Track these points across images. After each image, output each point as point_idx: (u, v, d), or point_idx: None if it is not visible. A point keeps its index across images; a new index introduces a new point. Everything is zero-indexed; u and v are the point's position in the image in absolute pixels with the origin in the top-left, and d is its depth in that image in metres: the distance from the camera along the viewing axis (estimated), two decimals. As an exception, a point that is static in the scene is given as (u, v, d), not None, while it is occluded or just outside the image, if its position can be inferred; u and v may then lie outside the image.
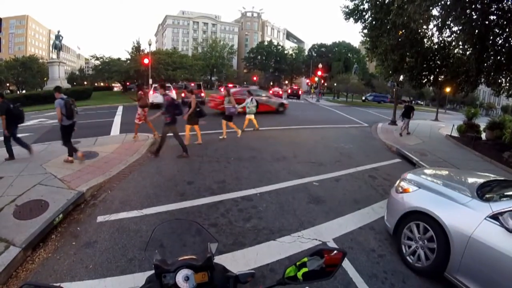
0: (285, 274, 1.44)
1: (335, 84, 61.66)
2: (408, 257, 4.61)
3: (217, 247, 1.48)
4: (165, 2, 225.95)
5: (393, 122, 21.47)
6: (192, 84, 29.19)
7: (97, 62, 51.57)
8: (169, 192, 6.70)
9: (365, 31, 17.81)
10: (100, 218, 5.52)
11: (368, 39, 18.25)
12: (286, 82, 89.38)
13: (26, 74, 65.90)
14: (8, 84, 66.01)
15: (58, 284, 1.28)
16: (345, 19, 18.12)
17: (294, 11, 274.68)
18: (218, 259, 2.47)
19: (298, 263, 1.45)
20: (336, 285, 3.92)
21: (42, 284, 1.31)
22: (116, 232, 5.07)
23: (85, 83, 69.79)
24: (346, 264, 4.39)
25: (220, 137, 12.21)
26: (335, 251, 1.51)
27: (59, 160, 8.72)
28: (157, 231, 1.62)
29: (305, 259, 1.45)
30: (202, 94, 27.39)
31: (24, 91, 56.50)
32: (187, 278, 1.27)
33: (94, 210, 5.92)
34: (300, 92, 54.12)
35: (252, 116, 14.10)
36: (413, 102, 38.52)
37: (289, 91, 54.97)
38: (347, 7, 18.03)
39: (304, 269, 1.44)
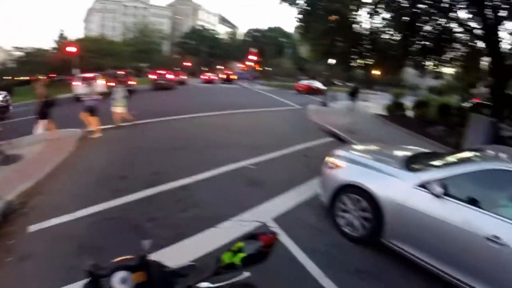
0: (222, 261, 1.45)
1: (268, 69, 62.39)
2: (345, 228, 4.97)
3: (151, 243, 1.39)
4: None
5: (324, 104, 22.39)
6: (122, 72, 27.67)
7: (20, 54, 47.64)
8: (102, 190, 6.30)
9: (300, 16, 18.14)
10: (32, 227, 5.02)
11: (301, 24, 18.65)
12: (220, 67, 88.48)
13: None
14: None
15: None
16: (280, 3, 18.34)
17: None
18: (160, 254, 2.46)
19: (233, 249, 1.45)
20: (279, 263, 4.05)
21: None
22: (51, 240, 4.69)
23: (7, 78, 64.26)
24: (288, 241, 4.60)
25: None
26: (267, 233, 1.52)
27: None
28: (88, 235, 1.55)
29: (241, 244, 1.46)
30: (131, 82, 25.94)
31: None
32: (124, 280, 1.22)
33: (25, 219, 5.34)
34: (232, 77, 54.00)
35: (120, 110, 11.84)
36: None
37: (223, 76, 54.57)
38: None
39: (242, 254, 1.45)
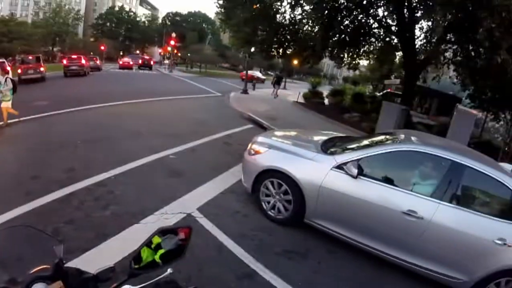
0: (140, 260, 1.36)
1: (188, 55, 61.25)
2: (269, 212, 5.12)
3: (63, 248, 1.26)
4: None
5: (245, 91, 22.80)
6: (30, 57, 24.96)
7: None
8: (11, 193, 5.38)
9: (220, 1, 17.86)
10: None
11: (222, 10, 18.45)
12: (138, 51, 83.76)
13: None
14: None
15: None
16: None
17: None
18: (83, 258, 2.29)
19: (153, 246, 1.37)
20: (208, 252, 4.05)
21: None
22: None
23: None
24: (214, 229, 4.60)
25: None
26: (182, 227, 1.47)
27: None
28: (28, 239, 1.39)
29: (158, 240, 1.39)
30: (42, 69, 23.15)
31: None
32: None
33: None
34: (152, 63, 51.57)
35: (8, 105, 9.99)
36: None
37: (140, 61, 50.81)
38: None
39: (161, 251, 1.38)
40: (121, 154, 7.34)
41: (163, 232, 1.41)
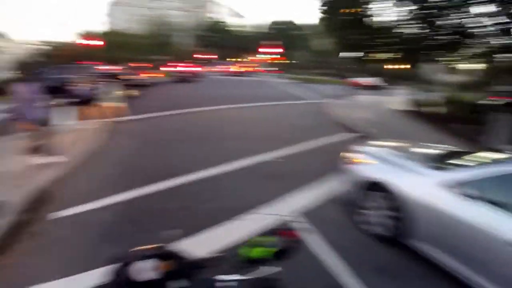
0: (253, 255, 1.43)
1: (287, 61, 61.60)
2: (366, 226, 4.85)
3: (180, 233, 1.49)
4: None
5: (346, 98, 22.19)
6: (143, 65, 27.98)
7: (48, 47, 49.15)
8: (118, 182, 6.42)
9: (324, 8, 17.94)
10: (54, 215, 5.16)
11: (324, 15, 18.45)
12: (235, 59, 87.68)
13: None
14: None
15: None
16: None
17: None
18: (180, 245, 2.44)
19: (264, 243, 1.45)
20: (300, 258, 4.05)
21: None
22: (78, 227, 4.88)
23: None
24: (308, 236, 4.58)
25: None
26: (289, 229, 1.52)
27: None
28: (111, 223, 1.57)
29: (267, 238, 1.46)
30: (152, 75, 27.10)
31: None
32: (153, 268, 1.24)
33: (47, 207, 5.48)
34: (249, 70, 53.10)
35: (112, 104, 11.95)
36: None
37: (237, 68, 53.14)
38: None
39: (273, 249, 1.45)
40: (223, 154, 7.83)
41: (271, 232, 1.48)
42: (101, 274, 1.33)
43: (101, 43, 35.73)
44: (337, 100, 21.29)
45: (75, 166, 7.37)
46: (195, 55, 66.70)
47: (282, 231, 1.51)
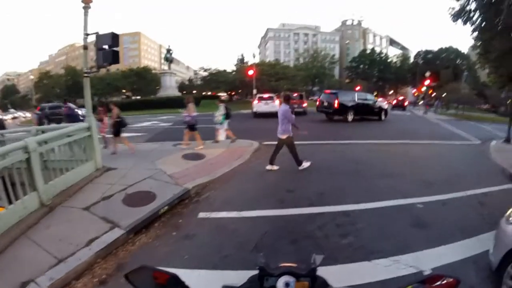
0: None
1: (443, 95, 56.60)
2: None
3: (322, 258, 1.39)
4: (266, 16, 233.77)
5: (508, 140, 18.86)
6: (295, 94, 29.25)
7: (205, 73, 55.70)
8: (268, 198, 6.82)
9: (475, 34, 16.10)
10: (201, 214, 5.90)
11: (478, 43, 16.52)
12: (391, 92, 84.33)
13: (140, 83, 73.85)
14: (124, 91, 74.06)
15: (173, 272, 1.31)
16: (453, 21, 16.62)
17: (397, 16, 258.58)
18: None
19: None
20: None
21: (159, 269, 1.32)
22: (215, 229, 5.36)
23: (194, 92, 74.97)
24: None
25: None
26: (446, 278, 1.26)
27: (169, 158, 9.63)
28: (249, 233, 1.53)
29: None
30: (304, 104, 28.07)
31: (138, 97, 63.13)
32: (287, 285, 1.24)
33: (196, 206, 6.36)
34: (405, 103, 50.11)
35: (222, 127, 12.49)
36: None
37: (394, 101, 51.26)
38: (453, 8, 16.54)
39: None
40: (369, 190, 7.50)
41: (420, 280, 1.26)
42: (238, 276, 1.28)
43: (252, 72, 38.56)
44: (504, 144, 18.49)
45: (225, 176, 8.27)
46: (352, 87, 66.87)
47: (434, 279, 1.25)
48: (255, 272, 1.33)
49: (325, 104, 22.45)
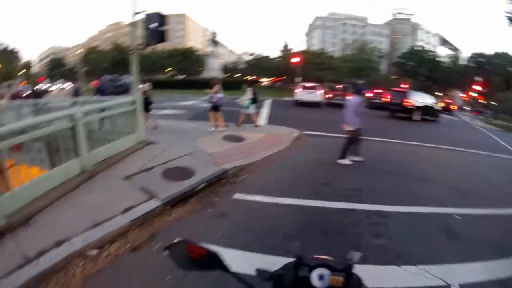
0: None
1: (491, 103, 53.27)
2: None
3: (360, 256, 1.34)
4: (315, 3, 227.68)
5: None
6: (339, 86, 28.53)
7: (249, 58, 55.57)
8: (304, 187, 6.69)
9: None
10: (237, 195, 5.90)
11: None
12: (437, 93, 79.46)
13: (184, 63, 74.25)
14: (169, 69, 75.47)
15: (214, 251, 1.31)
16: (509, 25, 15.58)
17: (449, 14, 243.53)
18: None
19: None
20: None
21: (199, 245, 1.32)
22: (249, 211, 5.36)
23: (237, 75, 75.27)
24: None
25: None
26: None
27: (209, 138, 9.77)
28: (282, 220, 1.44)
29: None
30: (348, 97, 26.67)
31: (183, 77, 64.17)
32: (321, 277, 1.21)
33: (233, 187, 6.37)
34: (453, 107, 47.98)
35: (248, 111, 12.50)
36: None
37: (443, 104, 49.02)
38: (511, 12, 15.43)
39: None
40: (406, 193, 7.18)
41: None
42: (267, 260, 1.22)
43: (298, 59, 38.02)
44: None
45: (262, 161, 8.23)
46: (398, 84, 64.15)
47: None
48: (284, 258, 1.33)
49: (394, 101, 22.57)
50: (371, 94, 30.40)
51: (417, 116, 21.65)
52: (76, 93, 19.25)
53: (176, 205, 5.41)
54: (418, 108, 21.74)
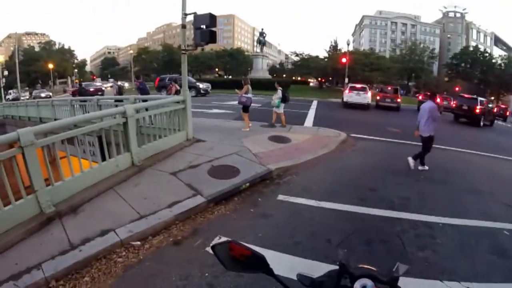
0: None
1: None
2: None
3: (406, 269, 1.26)
4: (362, 2, 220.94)
5: None
6: (389, 88, 27.47)
7: (296, 58, 55.15)
8: (349, 192, 6.47)
9: None
10: (280, 197, 5.83)
11: None
12: (493, 98, 72.57)
13: (232, 63, 76.68)
14: (217, 69, 76.92)
15: (261, 253, 1.29)
16: None
17: (504, 12, 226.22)
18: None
19: None
20: None
21: (245, 246, 1.30)
22: (291, 214, 5.26)
23: (284, 76, 74.97)
24: None
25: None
26: None
27: (255, 138, 9.75)
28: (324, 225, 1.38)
29: None
30: (398, 100, 25.62)
31: (230, 77, 65.65)
32: (364, 287, 1.16)
33: (277, 188, 6.29)
34: (507, 113, 44.19)
35: (278, 111, 12.22)
36: None
37: (494, 109, 45.22)
38: None
39: None
40: (455, 205, 6.67)
41: None
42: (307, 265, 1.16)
43: (345, 60, 37.09)
44: None
45: (308, 163, 8.04)
46: (452, 87, 60.26)
47: None
48: (325, 264, 1.28)
49: (464, 107, 22.18)
50: (421, 97, 28.83)
51: (483, 122, 21.26)
52: (119, 91, 20.10)
53: (219, 202, 5.47)
54: (483, 113, 21.41)
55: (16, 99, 37.81)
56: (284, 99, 12.09)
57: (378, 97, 25.90)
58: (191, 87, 27.92)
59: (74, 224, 4.55)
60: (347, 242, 1.55)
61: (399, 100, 25.67)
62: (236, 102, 12.69)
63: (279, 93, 12.07)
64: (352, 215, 5.46)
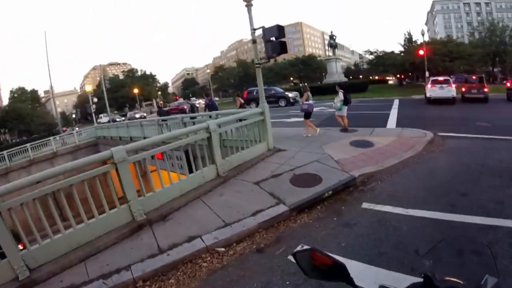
0: None
1: None
2: None
3: (497, 283, 1.20)
4: None
5: None
6: (474, 77, 24.69)
7: (371, 57, 52.87)
8: (439, 198, 5.89)
9: None
10: (365, 205, 5.62)
11: None
12: None
13: (306, 70, 76.45)
14: (291, 78, 78.44)
15: (341, 262, 1.27)
16: None
17: None
18: None
19: None
20: None
21: (326, 254, 1.29)
22: (377, 222, 5.01)
23: (361, 76, 72.82)
24: None
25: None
26: None
27: (336, 144, 9.54)
28: (412, 235, 1.33)
29: None
30: (485, 89, 22.11)
31: (306, 84, 64.88)
32: None
33: (361, 195, 6.07)
34: None
35: (341, 113, 12.06)
36: None
37: None
38: None
39: None
40: None
41: None
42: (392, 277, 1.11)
43: (422, 52, 34.54)
44: None
45: (393, 168, 7.63)
46: None
47: None
48: (412, 277, 1.26)
49: None
50: (510, 84, 23.97)
51: None
52: (192, 109, 21.30)
53: (302, 211, 5.50)
54: None
55: (113, 121, 41.71)
56: (346, 102, 11.88)
57: (463, 89, 23.01)
58: (280, 97, 30.32)
59: (163, 231, 4.99)
60: (435, 252, 1.48)
61: (486, 89, 22.23)
62: (315, 109, 12.66)
63: (341, 95, 11.88)
64: (441, 223, 5.01)
